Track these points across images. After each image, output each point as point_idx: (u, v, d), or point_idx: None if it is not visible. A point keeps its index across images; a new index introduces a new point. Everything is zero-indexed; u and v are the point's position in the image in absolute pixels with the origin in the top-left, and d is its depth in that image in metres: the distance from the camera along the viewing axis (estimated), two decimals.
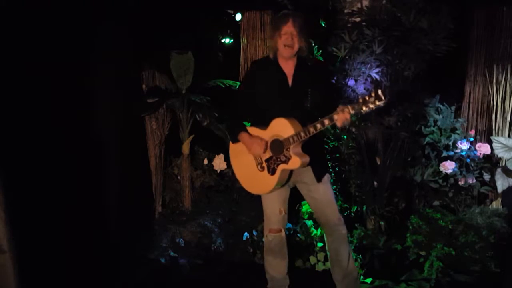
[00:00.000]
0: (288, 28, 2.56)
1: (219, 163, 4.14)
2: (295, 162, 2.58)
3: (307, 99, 2.59)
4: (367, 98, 2.34)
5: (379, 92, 2.31)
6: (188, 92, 4.02)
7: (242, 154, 2.77)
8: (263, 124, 2.67)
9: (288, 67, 2.67)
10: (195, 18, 4.39)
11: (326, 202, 2.77)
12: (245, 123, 2.84)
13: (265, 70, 2.72)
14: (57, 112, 2.92)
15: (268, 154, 2.67)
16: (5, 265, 2.24)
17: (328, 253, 2.91)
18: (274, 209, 2.82)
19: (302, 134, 2.52)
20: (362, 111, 2.36)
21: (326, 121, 2.46)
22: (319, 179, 2.72)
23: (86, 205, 3.12)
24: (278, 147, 2.61)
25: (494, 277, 3.29)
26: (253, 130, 2.72)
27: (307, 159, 2.61)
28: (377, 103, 2.32)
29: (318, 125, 2.48)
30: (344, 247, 2.81)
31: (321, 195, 2.75)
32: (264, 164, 2.68)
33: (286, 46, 2.58)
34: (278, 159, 2.63)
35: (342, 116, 2.40)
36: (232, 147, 2.86)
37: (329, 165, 3.68)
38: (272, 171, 2.65)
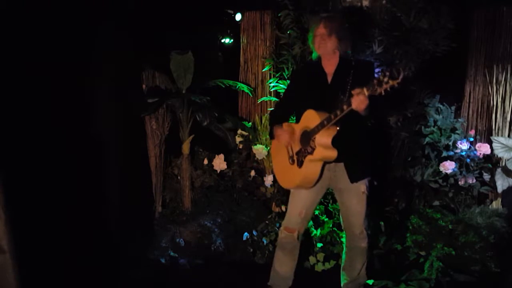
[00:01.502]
0: (320, 30, 2.67)
1: (219, 163, 4.14)
2: (319, 151, 2.57)
3: (346, 95, 2.56)
4: (381, 78, 2.31)
5: (394, 71, 2.25)
6: (188, 92, 4.01)
7: (280, 149, 2.83)
8: None
9: (330, 66, 2.73)
10: (195, 18, 4.38)
11: (355, 212, 2.79)
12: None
13: (308, 71, 2.86)
14: (57, 112, 2.92)
15: (298, 147, 2.69)
16: (5, 265, 2.23)
17: (343, 256, 2.95)
18: (296, 209, 2.82)
19: (325, 122, 2.52)
20: (377, 92, 2.32)
21: (345, 106, 2.45)
22: (352, 179, 2.70)
23: (86, 205, 3.12)
24: (306, 138, 2.64)
25: (494, 277, 3.29)
26: (287, 125, 2.78)
27: (333, 152, 2.57)
28: (391, 82, 2.26)
29: (338, 112, 2.48)
30: (359, 258, 2.88)
31: (352, 204, 2.77)
32: (295, 158, 2.71)
33: (319, 46, 2.68)
34: (306, 151, 2.64)
35: (356, 99, 2.38)
36: (273, 145, 2.95)
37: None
38: (300, 164, 2.66)
